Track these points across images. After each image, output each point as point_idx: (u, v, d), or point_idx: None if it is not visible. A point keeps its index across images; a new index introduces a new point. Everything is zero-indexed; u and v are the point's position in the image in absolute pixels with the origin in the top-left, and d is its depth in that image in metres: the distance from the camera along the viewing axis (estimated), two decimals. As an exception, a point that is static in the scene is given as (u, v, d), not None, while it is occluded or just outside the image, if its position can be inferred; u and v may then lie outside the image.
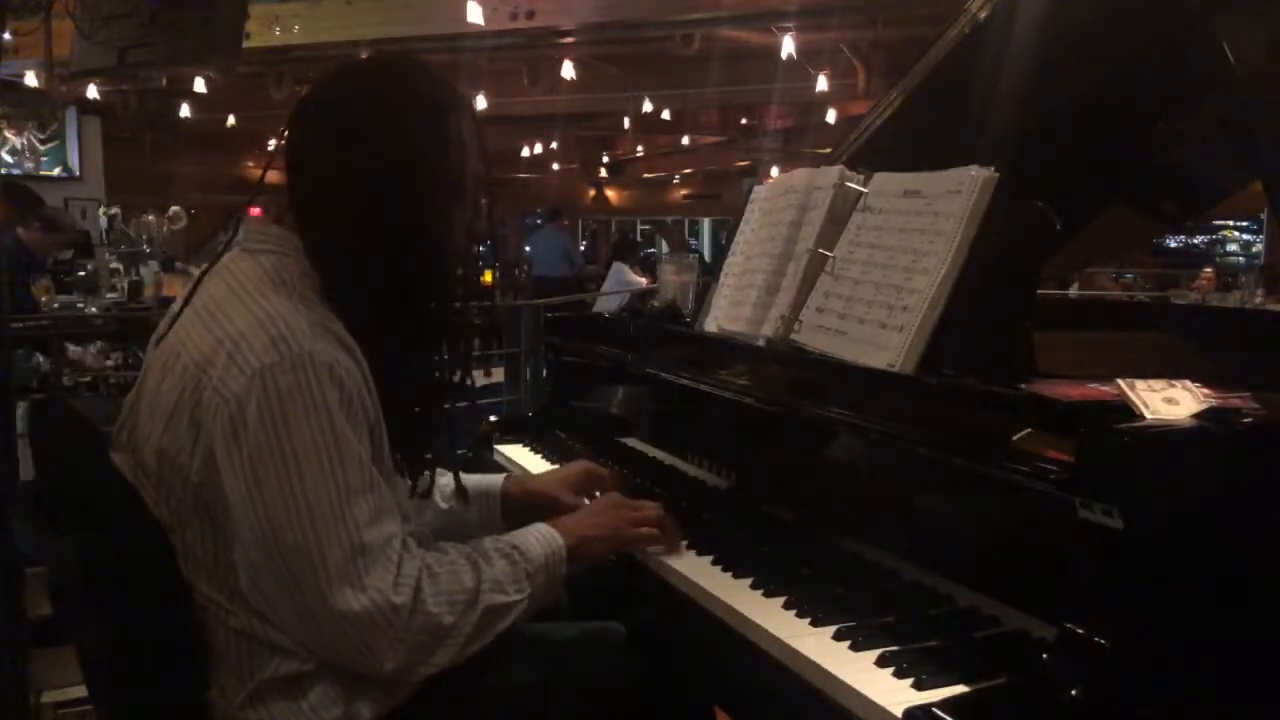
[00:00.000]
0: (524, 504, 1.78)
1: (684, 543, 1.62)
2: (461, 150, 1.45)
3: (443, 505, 1.74)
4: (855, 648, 1.25)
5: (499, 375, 5.09)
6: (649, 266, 10.02)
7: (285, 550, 1.27)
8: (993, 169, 1.53)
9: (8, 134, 10.47)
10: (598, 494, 1.78)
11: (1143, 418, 1.16)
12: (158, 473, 1.35)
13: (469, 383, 1.56)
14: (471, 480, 1.81)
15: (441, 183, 1.43)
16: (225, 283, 1.38)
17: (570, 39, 7.93)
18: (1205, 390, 1.21)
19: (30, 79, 8.44)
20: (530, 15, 7.08)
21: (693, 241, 18.20)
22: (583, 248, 17.82)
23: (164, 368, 1.36)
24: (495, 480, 1.83)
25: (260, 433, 1.26)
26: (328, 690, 1.36)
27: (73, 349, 5.68)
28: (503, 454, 2.35)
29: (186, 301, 1.42)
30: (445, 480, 1.69)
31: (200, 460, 1.31)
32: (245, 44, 5.32)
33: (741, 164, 15.83)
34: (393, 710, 1.39)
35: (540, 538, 1.49)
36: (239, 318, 1.32)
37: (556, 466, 2.18)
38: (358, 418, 1.32)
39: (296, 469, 1.26)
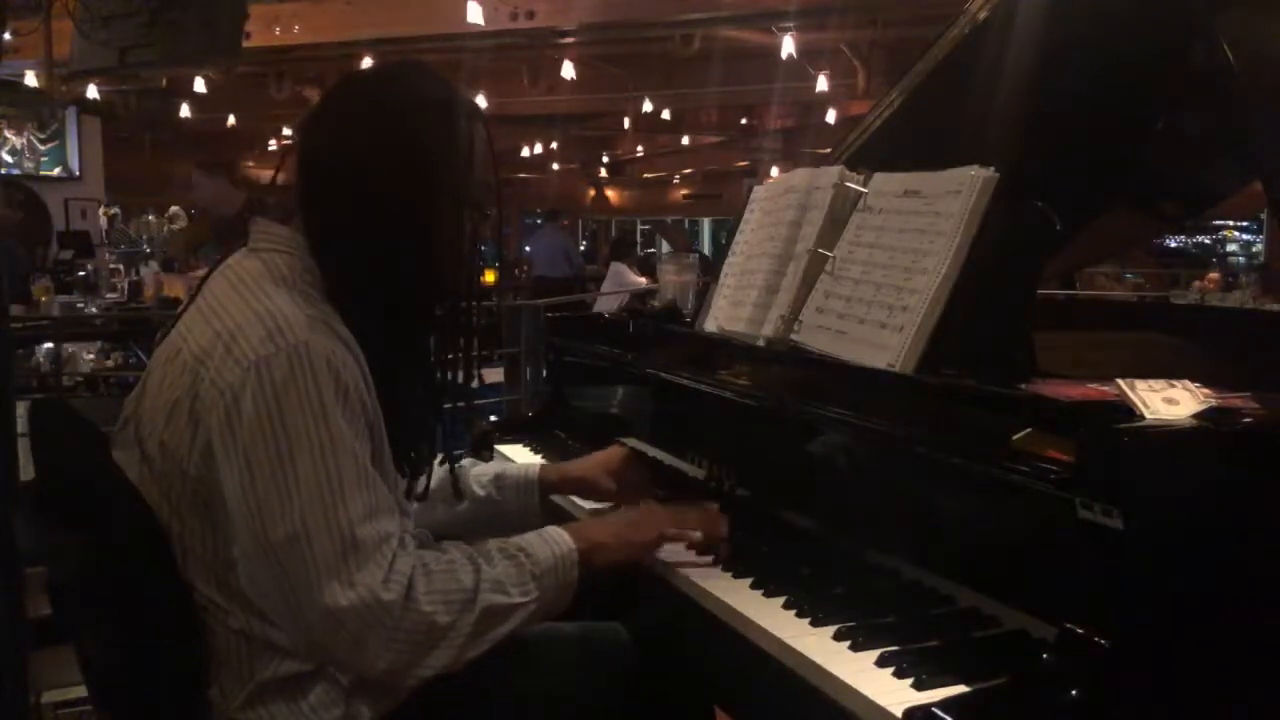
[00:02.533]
0: (561, 490, 1.79)
1: (683, 544, 1.62)
2: (470, 157, 1.46)
3: (480, 492, 1.75)
4: (855, 648, 1.25)
5: (499, 375, 5.11)
6: (648, 267, 10.01)
7: (276, 543, 1.26)
8: (992, 169, 1.53)
9: (8, 134, 10.48)
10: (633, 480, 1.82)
11: (1143, 418, 1.16)
12: (160, 467, 1.35)
13: (472, 383, 1.56)
14: (510, 469, 1.83)
15: (449, 188, 1.44)
16: (228, 280, 1.39)
17: (570, 39, 7.94)
18: (1205, 390, 1.21)
19: (30, 79, 8.44)
20: (530, 15, 7.08)
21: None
22: (583, 248, 17.81)
23: (166, 363, 1.38)
24: (533, 468, 1.85)
25: (255, 424, 1.26)
26: (327, 691, 1.36)
27: (90, 357, 5.70)
28: (503, 454, 2.34)
29: (191, 299, 1.43)
30: (481, 469, 1.70)
31: (199, 454, 1.31)
32: (245, 44, 5.33)
33: (741, 164, 15.84)
34: (392, 711, 1.39)
35: (548, 540, 1.45)
36: (237, 312, 1.33)
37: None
38: (355, 412, 1.32)
39: (290, 461, 1.26)
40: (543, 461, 1.93)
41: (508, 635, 1.37)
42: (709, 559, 1.56)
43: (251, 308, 1.32)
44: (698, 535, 1.57)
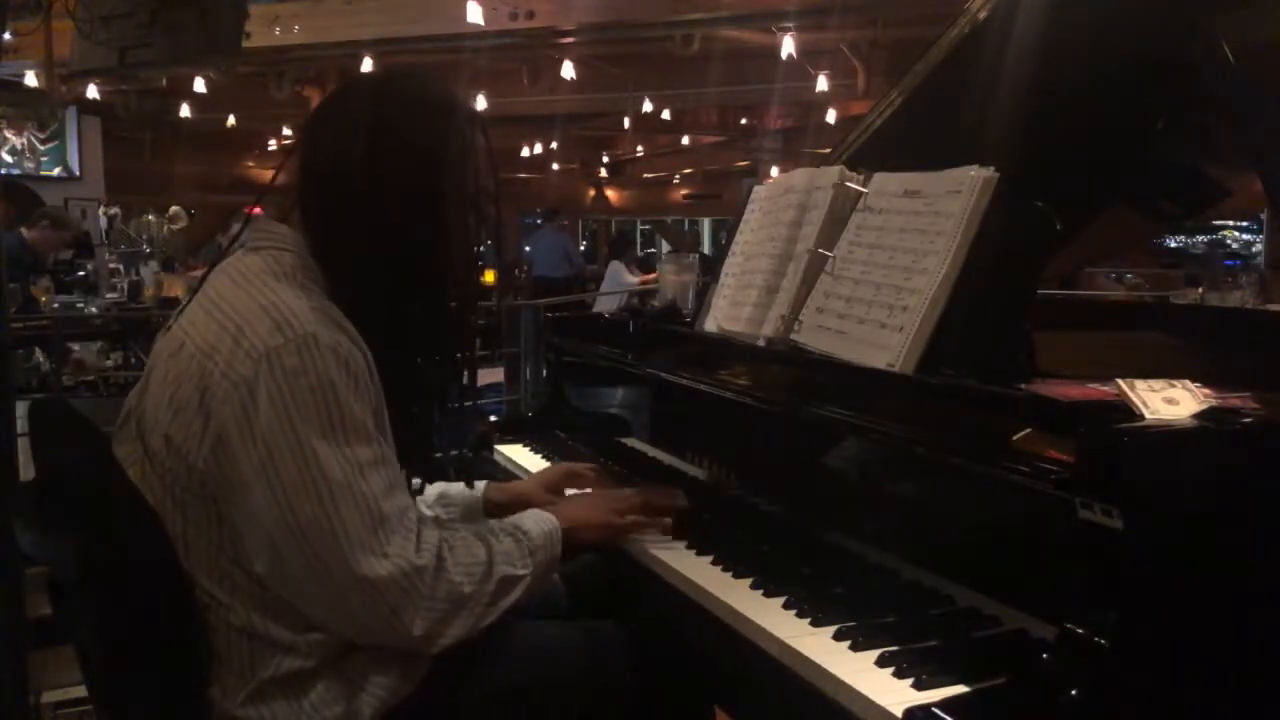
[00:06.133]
0: (508, 509, 1.80)
1: (683, 543, 1.62)
2: (472, 161, 1.50)
3: (428, 513, 1.75)
4: (855, 648, 1.25)
5: (499, 375, 5.10)
6: (649, 266, 10.01)
7: (306, 527, 1.28)
8: (993, 169, 1.53)
9: (8, 134, 10.47)
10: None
11: (1143, 418, 1.16)
12: (165, 462, 1.35)
13: (472, 384, 1.58)
14: (452, 488, 1.85)
15: (452, 192, 1.47)
16: (229, 276, 1.41)
17: (570, 39, 7.94)
18: (1205, 390, 1.21)
19: (30, 79, 8.44)
20: (530, 15, 7.09)
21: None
22: (583, 248, 17.81)
23: (170, 357, 1.38)
24: (477, 488, 1.87)
25: (271, 414, 1.28)
26: (329, 688, 1.36)
27: (76, 350, 5.69)
28: (503, 454, 2.35)
29: (193, 296, 1.44)
30: (427, 490, 1.72)
31: (209, 447, 1.32)
32: (245, 44, 5.33)
33: (741, 164, 15.82)
34: (393, 709, 1.39)
35: (537, 519, 1.54)
36: (242, 306, 1.35)
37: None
38: (365, 397, 1.35)
39: (311, 447, 1.29)
40: (488, 482, 1.94)
41: (511, 606, 1.43)
42: (665, 523, 1.67)
43: (257, 301, 1.34)
44: (667, 522, 1.67)
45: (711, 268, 2.27)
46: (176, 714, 1.38)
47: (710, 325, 2.06)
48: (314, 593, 1.32)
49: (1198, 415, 1.16)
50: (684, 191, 19.09)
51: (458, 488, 1.86)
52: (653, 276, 8.21)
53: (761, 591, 1.43)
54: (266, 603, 1.35)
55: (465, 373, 1.57)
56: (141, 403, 1.41)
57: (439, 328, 1.53)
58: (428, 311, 1.51)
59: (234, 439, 1.30)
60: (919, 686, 1.14)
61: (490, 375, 4.82)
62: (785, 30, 7.44)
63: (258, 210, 1.73)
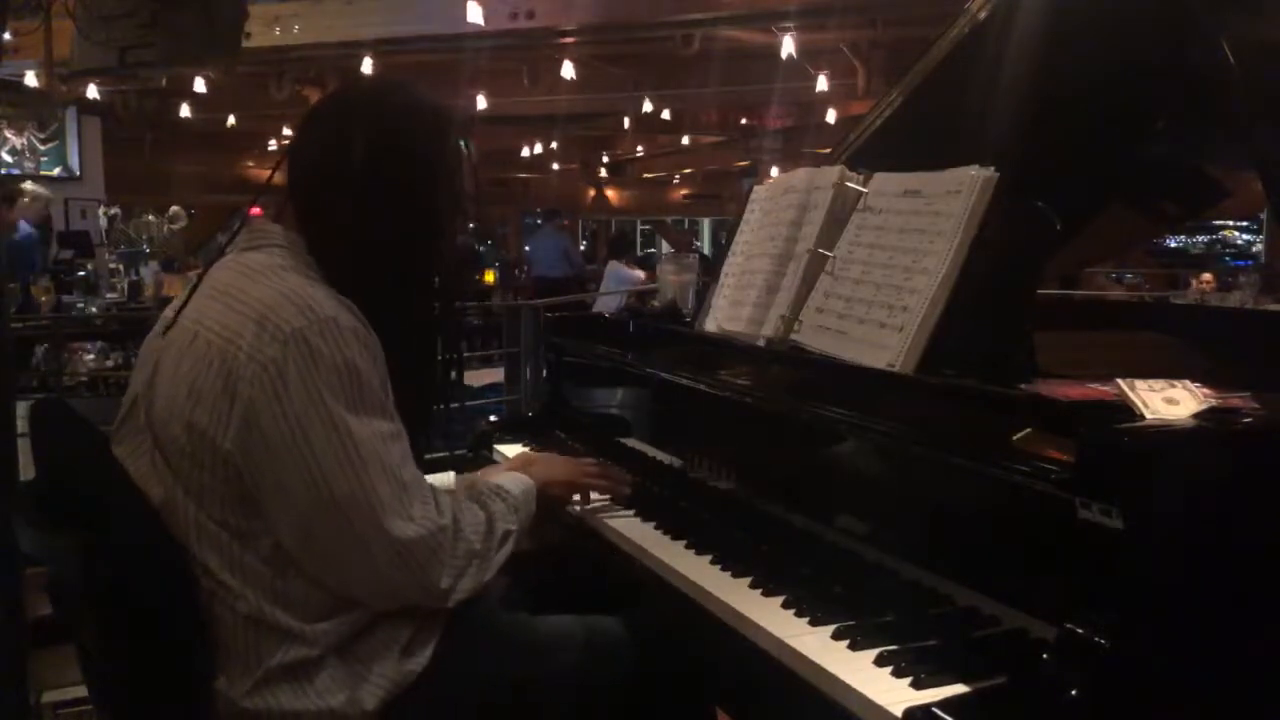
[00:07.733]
0: None
1: (682, 543, 1.63)
2: (459, 164, 1.55)
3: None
4: (854, 647, 1.25)
5: (499, 375, 5.10)
6: (648, 266, 10.00)
7: (340, 496, 1.34)
8: (993, 169, 1.53)
9: (8, 134, 10.46)
10: None
11: (1143, 418, 1.16)
12: (185, 448, 1.36)
13: (459, 381, 1.64)
14: (436, 479, 1.86)
15: (439, 192, 1.52)
16: (236, 271, 1.44)
17: (570, 39, 7.93)
18: (1205, 390, 1.21)
19: (30, 79, 8.44)
20: (530, 15, 7.09)
21: (695, 244, 18.15)
22: (583, 248, 17.80)
23: (180, 350, 1.40)
24: (448, 479, 1.90)
25: (302, 391, 1.33)
26: (333, 676, 1.38)
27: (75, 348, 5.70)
28: (503, 454, 2.34)
29: (192, 293, 1.45)
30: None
31: (236, 428, 1.34)
32: (245, 44, 5.33)
33: (741, 164, 15.83)
34: (395, 700, 1.41)
35: (513, 478, 1.66)
36: (261, 294, 1.38)
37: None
38: (383, 375, 1.41)
39: (343, 421, 1.34)
40: (458, 475, 1.98)
41: (505, 560, 1.53)
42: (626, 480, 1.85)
43: (276, 289, 1.38)
44: (627, 491, 1.83)
45: (711, 268, 2.27)
46: (180, 712, 1.38)
47: (710, 325, 2.06)
48: (344, 558, 1.37)
49: (1198, 415, 1.16)
50: (684, 191, 19.10)
51: (439, 477, 1.89)
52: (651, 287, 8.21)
53: (760, 590, 1.43)
54: (277, 591, 1.37)
55: (451, 371, 1.63)
56: (151, 394, 1.42)
57: (427, 325, 1.58)
58: (418, 308, 1.56)
59: (264, 418, 1.33)
60: (918, 686, 1.14)
61: (490, 375, 4.81)
62: (785, 30, 7.44)
63: (258, 211, 1.76)
